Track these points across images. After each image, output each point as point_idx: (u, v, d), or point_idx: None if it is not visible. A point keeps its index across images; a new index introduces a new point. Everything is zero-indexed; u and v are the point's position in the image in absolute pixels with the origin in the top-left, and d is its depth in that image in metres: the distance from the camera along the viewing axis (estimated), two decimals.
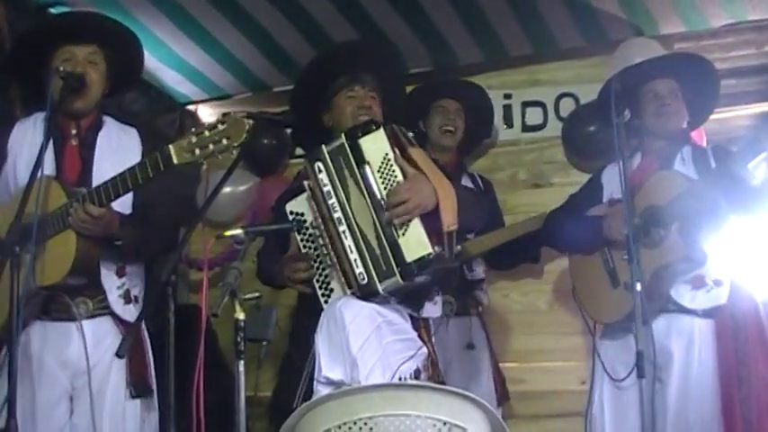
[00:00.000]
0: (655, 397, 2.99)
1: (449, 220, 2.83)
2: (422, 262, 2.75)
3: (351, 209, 2.85)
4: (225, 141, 2.53)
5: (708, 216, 3.03)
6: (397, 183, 2.80)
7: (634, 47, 4.09)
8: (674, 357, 3.07)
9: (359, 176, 2.84)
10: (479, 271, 4.17)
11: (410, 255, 2.75)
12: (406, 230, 2.77)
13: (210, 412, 2.29)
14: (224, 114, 3.20)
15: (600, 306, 3.27)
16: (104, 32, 3.04)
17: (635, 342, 2.80)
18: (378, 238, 2.80)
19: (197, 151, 2.57)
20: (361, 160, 2.84)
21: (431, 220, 2.79)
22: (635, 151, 3.37)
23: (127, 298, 2.94)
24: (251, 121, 2.56)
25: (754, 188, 3.04)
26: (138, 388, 2.89)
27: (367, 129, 2.88)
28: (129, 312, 2.94)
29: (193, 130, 2.60)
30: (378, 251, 2.79)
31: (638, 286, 2.73)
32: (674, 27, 4.32)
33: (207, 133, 2.56)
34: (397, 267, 2.75)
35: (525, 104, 4.71)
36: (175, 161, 2.61)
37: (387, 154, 2.82)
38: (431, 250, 2.74)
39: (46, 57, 2.95)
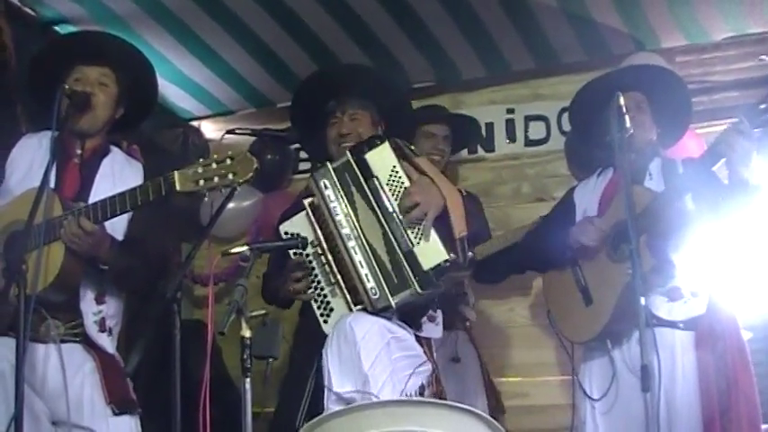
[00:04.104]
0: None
1: (460, 226, 2.83)
2: (439, 269, 2.73)
3: (359, 224, 2.86)
4: (230, 176, 2.51)
5: (673, 227, 3.01)
6: (405, 189, 2.80)
7: (638, 61, 4.10)
8: (657, 372, 3.05)
9: (368, 191, 2.84)
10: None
11: (427, 263, 2.73)
12: (421, 239, 2.75)
13: (216, 427, 2.29)
14: (228, 130, 3.20)
15: (575, 326, 3.26)
16: (119, 55, 3.05)
17: (611, 362, 3.08)
18: (390, 251, 2.78)
19: (201, 182, 2.54)
20: (369, 175, 2.86)
21: (442, 228, 2.79)
22: (608, 166, 3.37)
23: (101, 326, 2.87)
24: (257, 164, 2.53)
25: (725, 186, 3.02)
26: (119, 405, 2.80)
27: (372, 144, 2.90)
28: (103, 339, 2.87)
29: (201, 160, 2.57)
30: (389, 265, 2.77)
31: (642, 300, 2.69)
32: (676, 41, 4.34)
33: (214, 165, 2.53)
34: (415, 278, 2.73)
35: (528, 119, 4.74)
36: (178, 188, 2.57)
37: (394, 166, 2.84)
38: (447, 257, 2.73)
39: (60, 75, 2.95)
